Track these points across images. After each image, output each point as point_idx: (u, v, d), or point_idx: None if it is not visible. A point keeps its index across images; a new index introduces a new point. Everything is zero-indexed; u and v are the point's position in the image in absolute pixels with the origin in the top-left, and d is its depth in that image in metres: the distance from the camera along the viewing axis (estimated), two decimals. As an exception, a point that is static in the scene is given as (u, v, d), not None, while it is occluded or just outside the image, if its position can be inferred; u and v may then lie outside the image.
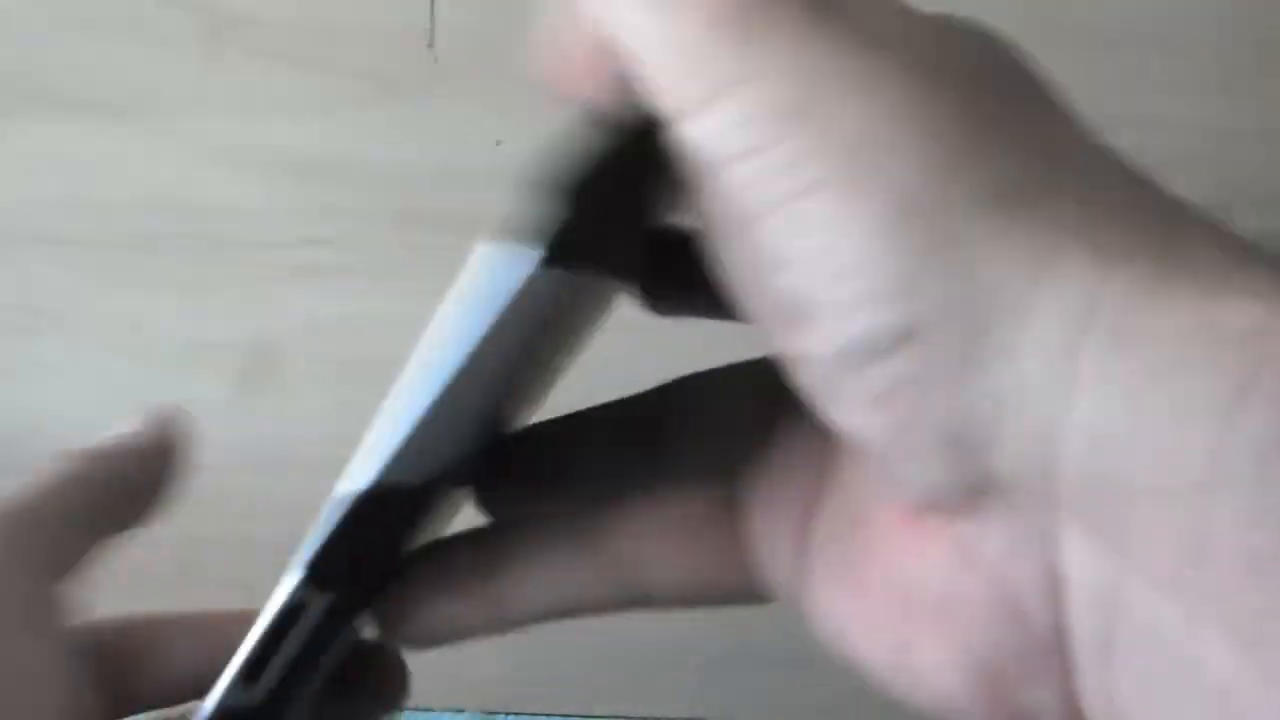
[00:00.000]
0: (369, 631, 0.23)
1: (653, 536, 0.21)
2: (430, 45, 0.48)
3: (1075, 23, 0.47)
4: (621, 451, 0.23)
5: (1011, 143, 0.15)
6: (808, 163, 0.15)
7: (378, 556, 0.21)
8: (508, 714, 0.53)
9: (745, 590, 0.21)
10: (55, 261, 0.50)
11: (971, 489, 0.15)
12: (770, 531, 0.20)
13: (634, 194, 0.17)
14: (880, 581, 0.18)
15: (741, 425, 0.21)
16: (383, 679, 0.24)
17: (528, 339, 0.17)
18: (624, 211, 0.17)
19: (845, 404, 0.16)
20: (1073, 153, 0.16)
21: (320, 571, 0.19)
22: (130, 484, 0.22)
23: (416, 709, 0.52)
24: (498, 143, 0.48)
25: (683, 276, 0.20)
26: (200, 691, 0.20)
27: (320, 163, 0.49)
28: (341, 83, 0.48)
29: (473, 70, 0.48)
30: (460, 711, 0.52)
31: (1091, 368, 0.14)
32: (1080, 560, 0.15)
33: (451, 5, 0.48)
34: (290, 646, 0.19)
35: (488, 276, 0.16)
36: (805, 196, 0.15)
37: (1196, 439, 0.13)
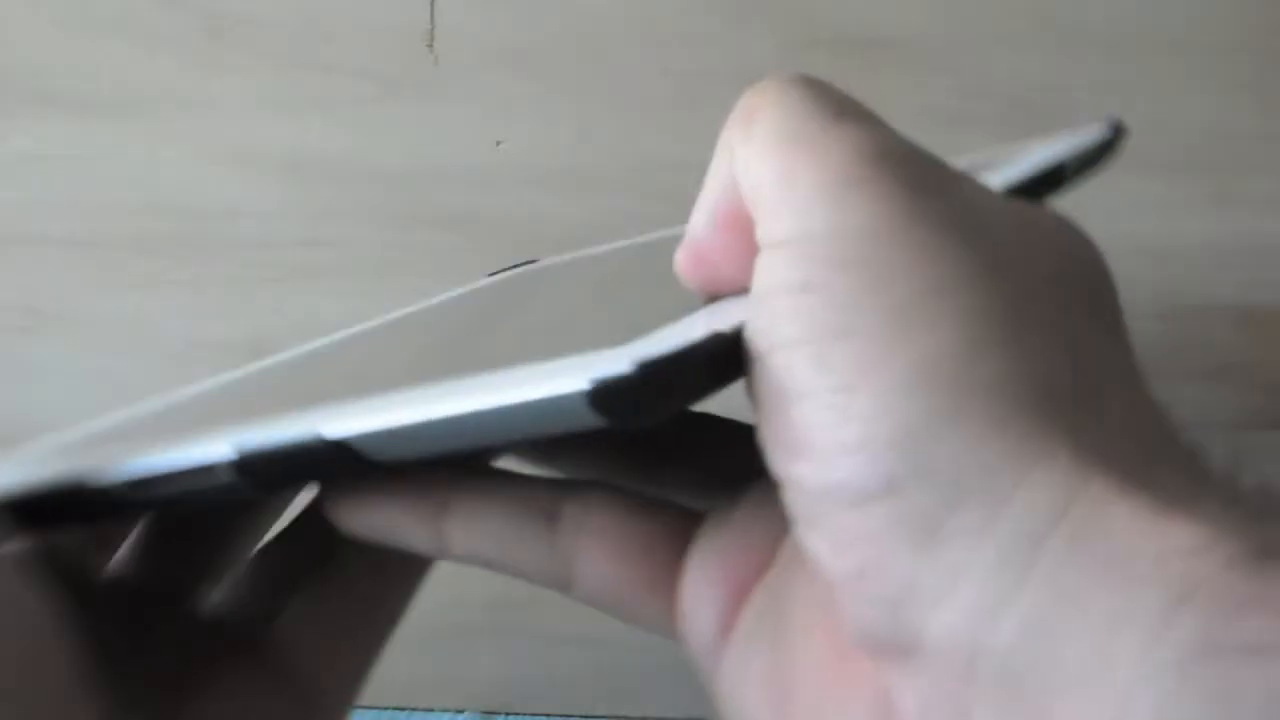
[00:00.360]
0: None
1: (595, 533, 0.22)
2: (430, 45, 0.48)
3: (1076, 24, 0.47)
4: (605, 447, 0.23)
5: (1046, 343, 0.17)
6: (853, 309, 0.16)
7: (302, 482, 0.22)
8: (508, 714, 0.53)
9: (658, 626, 0.22)
10: (55, 261, 0.50)
11: (903, 647, 0.16)
12: (704, 586, 0.21)
13: (699, 387, 0.18)
14: (800, 702, 0.19)
15: (727, 477, 0.22)
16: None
17: (540, 429, 0.19)
18: (682, 397, 0.18)
19: (817, 536, 0.17)
20: (1100, 366, 0.17)
21: (248, 464, 0.19)
22: None
23: (416, 709, 0.52)
24: (498, 143, 0.48)
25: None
26: None
27: (320, 163, 0.49)
28: (341, 83, 0.48)
29: (473, 70, 0.48)
30: (460, 712, 0.52)
31: (1044, 565, 0.15)
32: None
33: (451, 5, 0.48)
34: (178, 486, 0.20)
35: (554, 369, 0.17)
36: (841, 339, 0.16)
37: (1130, 641, 0.14)
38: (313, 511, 0.25)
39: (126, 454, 0.21)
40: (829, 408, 0.16)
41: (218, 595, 0.25)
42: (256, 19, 0.48)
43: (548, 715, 0.53)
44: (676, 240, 0.20)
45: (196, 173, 0.49)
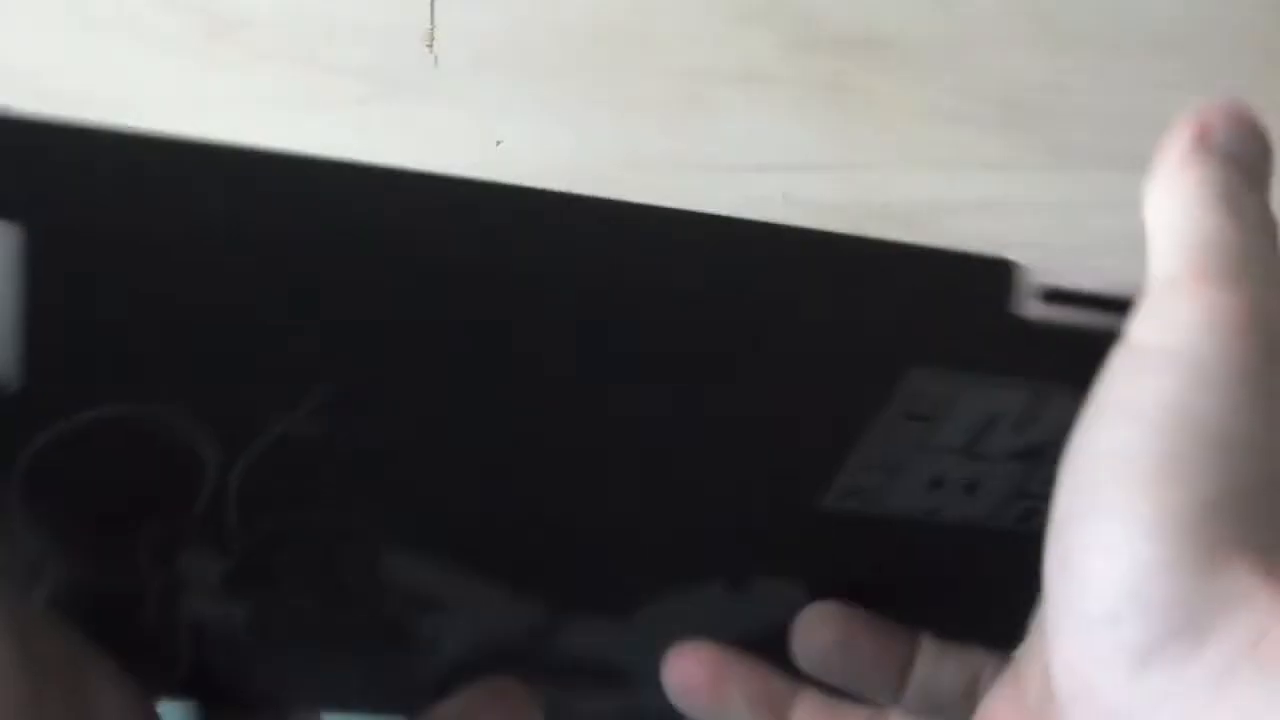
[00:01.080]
0: None
1: None
2: (430, 45, 0.48)
3: (1074, 24, 0.47)
4: None
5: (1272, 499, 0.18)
6: (1146, 440, 0.18)
7: None
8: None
9: None
10: (55, 261, 0.50)
11: None
12: None
13: None
14: None
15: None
16: None
17: None
18: None
19: (1056, 653, 0.19)
20: None
21: None
22: None
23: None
24: (498, 143, 0.48)
25: None
26: None
27: (320, 163, 0.49)
28: (341, 83, 0.48)
29: (473, 70, 0.48)
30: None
31: (1234, 690, 0.17)
32: None
33: (451, 5, 0.48)
34: None
35: None
36: (1124, 463, 0.18)
37: None
38: None
39: None
40: (1087, 534, 0.18)
41: None
42: (256, 19, 0.48)
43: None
44: None
45: (196, 173, 0.49)
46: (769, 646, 0.26)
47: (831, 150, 0.47)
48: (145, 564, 0.23)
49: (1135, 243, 0.52)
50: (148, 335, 0.19)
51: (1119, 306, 0.21)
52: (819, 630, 0.26)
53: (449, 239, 0.18)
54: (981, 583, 0.25)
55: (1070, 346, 0.21)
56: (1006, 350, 0.21)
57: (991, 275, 0.21)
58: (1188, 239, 0.20)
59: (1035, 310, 0.21)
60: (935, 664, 0.25)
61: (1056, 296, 0.21)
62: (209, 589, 0.23)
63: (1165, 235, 0.21)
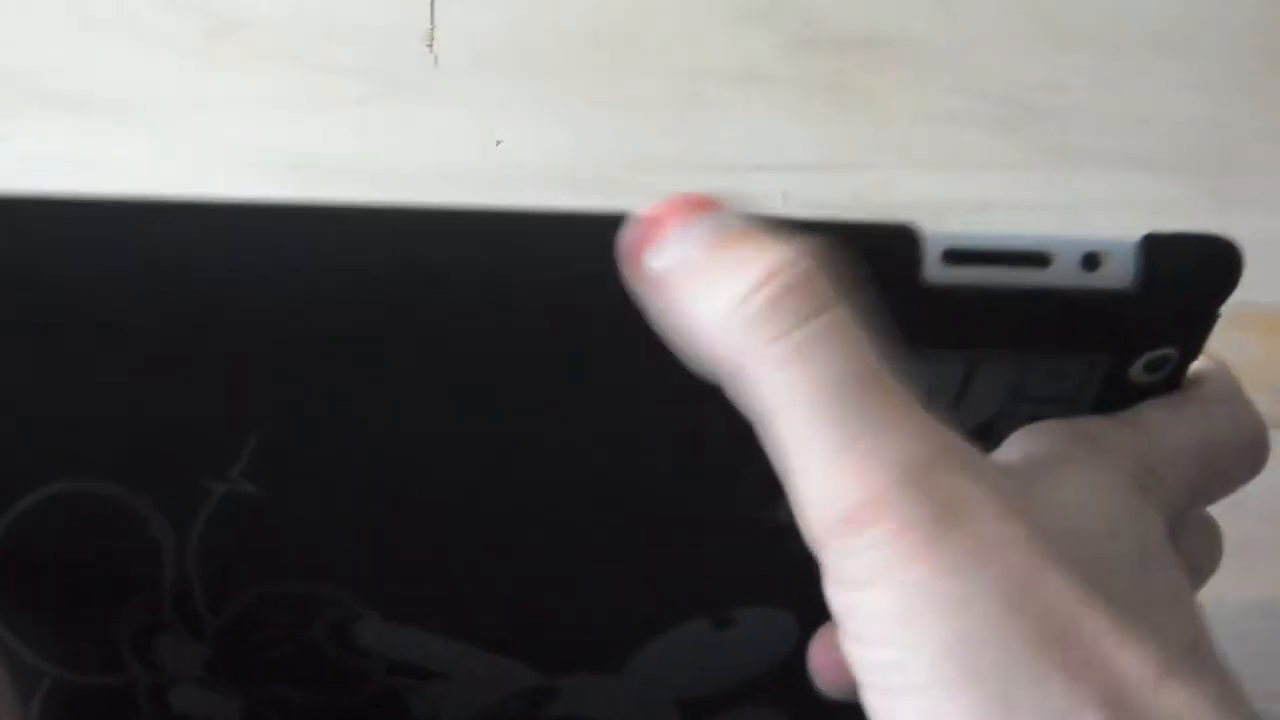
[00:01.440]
0: None
1: None
2: (430, 45, 0.48)
3: (1074, 24, 0.47)
4: None
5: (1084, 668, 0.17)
6: (907, 666, 0.17)
7: None
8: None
9: None
10: (55, 261, 0.50)
11: None
12: None
13: None
14: None
15: None
16: None
17: None
18: None
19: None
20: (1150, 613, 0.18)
21: None
22: None
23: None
24: (498, 143, 0.48)
25: None
26: None
27: (320, 163, 0.49)
28: (341, 83, 0.48)
29: (473, 70, 0.48)
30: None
31: None
32: None
33: (451, 5, 0.48)
34: None
35: None
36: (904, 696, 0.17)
37: None
38: None
39: None
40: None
41: None
42: (256, 19, 0.48)
43: (548, 715, 0.53)
44: None
45: (196, 173, 0.49)
46: (773, 679, 0.25)
47: (831, 150, 0.47)
48: (128, 657, 0.22)
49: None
50: (61, 405, 0.18)
51: (1022, 260, 0.20)
52: (841, 670, 0.24)
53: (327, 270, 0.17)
54: None
55: (984, 309, 0.20)
56: (924, 321, 0.20)
57: (896, 243, 0.19)
58: (820, 493, 0.18)
59: (940, 275, 0.19)
60: None
61: (957, 257, 0.19)
62: (195, 680, 0.23)
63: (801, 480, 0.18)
